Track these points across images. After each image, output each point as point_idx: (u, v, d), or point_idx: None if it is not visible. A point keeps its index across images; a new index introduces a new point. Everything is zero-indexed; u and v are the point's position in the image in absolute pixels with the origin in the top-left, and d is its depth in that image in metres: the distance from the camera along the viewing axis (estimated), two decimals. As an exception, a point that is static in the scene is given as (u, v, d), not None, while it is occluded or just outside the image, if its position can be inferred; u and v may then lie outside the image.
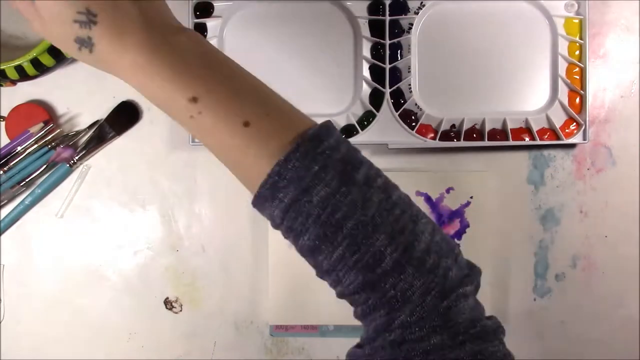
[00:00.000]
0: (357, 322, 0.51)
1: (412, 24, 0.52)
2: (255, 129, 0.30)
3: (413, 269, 0.29)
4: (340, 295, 0.32)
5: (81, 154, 0.53)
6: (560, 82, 0.52)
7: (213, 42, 0.52)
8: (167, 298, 0.54)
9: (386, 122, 0.51)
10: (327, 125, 0.31)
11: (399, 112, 0.51)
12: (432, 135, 0.52)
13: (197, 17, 0.51)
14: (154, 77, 0.31)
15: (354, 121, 0.52)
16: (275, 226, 0.32)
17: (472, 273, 0.31)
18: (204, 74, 0.31)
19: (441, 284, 0.29)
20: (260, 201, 0.31)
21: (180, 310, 0.54)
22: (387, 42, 0.51)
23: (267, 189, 0.30)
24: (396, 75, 0.52)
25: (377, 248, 0.29)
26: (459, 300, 0.30)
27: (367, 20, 0.52)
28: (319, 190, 0.29)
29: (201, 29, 0.52)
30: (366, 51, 0.52)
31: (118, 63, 0.31)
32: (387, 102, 0.51)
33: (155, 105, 0.32)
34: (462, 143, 0.51)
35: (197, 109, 0.30)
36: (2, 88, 0.52)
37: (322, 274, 0.32)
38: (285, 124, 0.31)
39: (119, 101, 0.53)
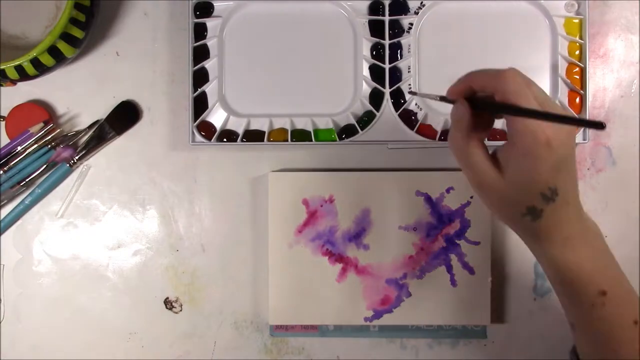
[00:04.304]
0: (357, 322, 0.52)
1: (412, 24, 0.52)
2: None
3: None
4: None
5: (81, 154, 0.53)
6: (560, 82, 0.52)
7: (213, 42, 0.52)
8: (167, 298, 0.54)
9: (386, 122, 0.51)
10: None
11: (399, 112, 0.52)
12: (432, 135, 0.52)
13: (197, 17, 0.51)
14: (582, 250, 0.33)
15: (354, 121, 0.52)
16: None
17: None
18: (616, 268, 0.34)
19: None
20: None
21: (180, 310, 0.54)
22: (387, 42, 0.51)
23: None
24: (396, 75, 0.52)
25: None
26: None
27: (367, 20, 0.52)
28: None
29: (201, 29, 0.52)
30: (366, 51, 0.52)
31: (553, 235, 0.33)
32: (387, 102, 0.51)
33: (555, 283, 0.35)
34: (462, 143, 0.51)
35: (603, 301, 0.33)
36: (2, 88, 0.52)
37: None
38: None
39: (119, 101, 0.53)
